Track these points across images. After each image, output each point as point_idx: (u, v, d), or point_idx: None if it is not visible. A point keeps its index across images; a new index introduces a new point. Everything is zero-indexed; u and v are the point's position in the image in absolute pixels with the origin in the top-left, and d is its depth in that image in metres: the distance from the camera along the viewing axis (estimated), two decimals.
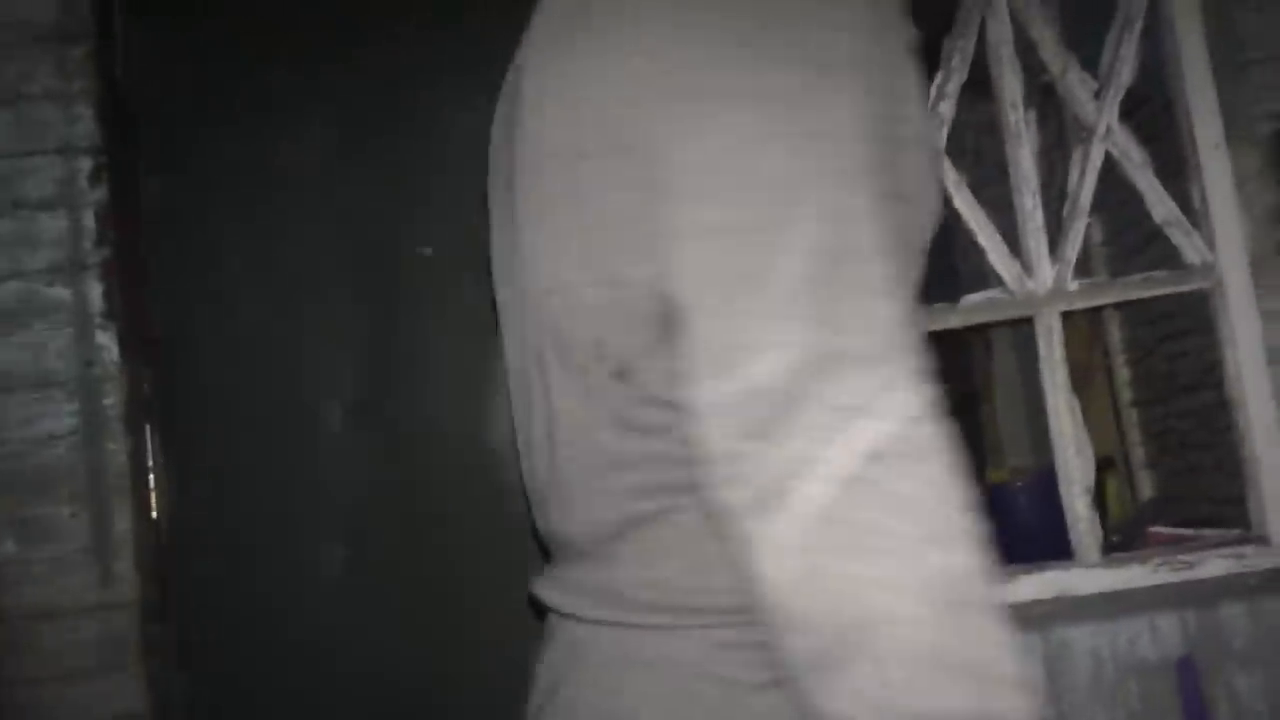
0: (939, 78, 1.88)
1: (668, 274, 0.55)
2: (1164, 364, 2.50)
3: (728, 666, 0.58)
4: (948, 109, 1.89)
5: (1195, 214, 1.87)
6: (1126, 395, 2.74)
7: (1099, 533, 1.82)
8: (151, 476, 1.69)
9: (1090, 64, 1.93)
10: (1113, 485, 2.53)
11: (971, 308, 1.89)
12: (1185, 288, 1.88)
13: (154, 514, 1.69)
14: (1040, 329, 1.85)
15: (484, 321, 1.01)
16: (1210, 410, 1.97)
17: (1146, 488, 2.68)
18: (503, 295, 0.75)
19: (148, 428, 1.70)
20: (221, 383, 1.72)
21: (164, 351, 1.73)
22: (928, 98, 1.88)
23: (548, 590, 0.70)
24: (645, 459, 0.61)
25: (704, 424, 0.53)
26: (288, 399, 1.73)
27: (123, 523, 1.61)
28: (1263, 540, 1.79)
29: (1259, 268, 1.82)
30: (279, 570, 1.65)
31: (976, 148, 2.69)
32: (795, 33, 0.56)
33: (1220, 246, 1.84)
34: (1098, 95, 1.89)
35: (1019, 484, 2.37)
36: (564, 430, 0.65)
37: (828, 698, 0.50)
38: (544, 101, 0.63)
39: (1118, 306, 2.56)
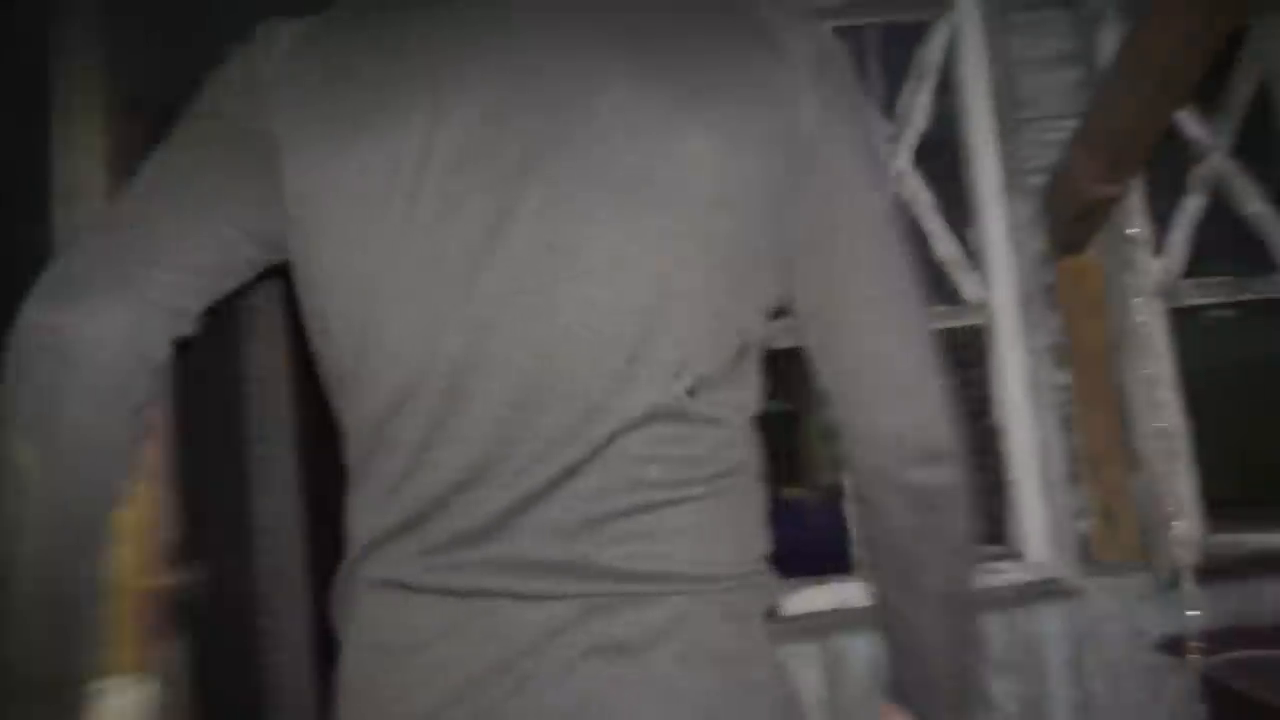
0: None
1: (879, 336, 0.80)
2: (955, 390, 2.69)
3: (719, 617, 0.72)
4: None
5: (976, 255, 2.03)
6: None
7: None
8: None
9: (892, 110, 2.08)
10: None
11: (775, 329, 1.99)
12: (964, 322, 2.03)
13: None
14: None
15: None
16: (989, 435, 2.13)
17: None
18: (468, 277, 0.71)
19: None
20: None
21: None
22: None
23: (473, 574, 0.70)
24: (675, 459, 0.72)
25: (947, 430, 0.81)
26: None
27: None
28: (1019, 556, 1.96)
29: (1027, 308, 1.99)
30: None
31: None
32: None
33: (995, 286, 2.01)
34: (894, 140, 2.03)
35: (811, 501, 2.50)
36: (619, 429, 0.70)
37: (967, 574, 0.85)
38: (665, 136, 0.70)
39: None
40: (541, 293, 0.69)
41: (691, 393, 0.72)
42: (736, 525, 0.75)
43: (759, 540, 0.78)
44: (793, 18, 0.78)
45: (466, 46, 0.72)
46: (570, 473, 0.70)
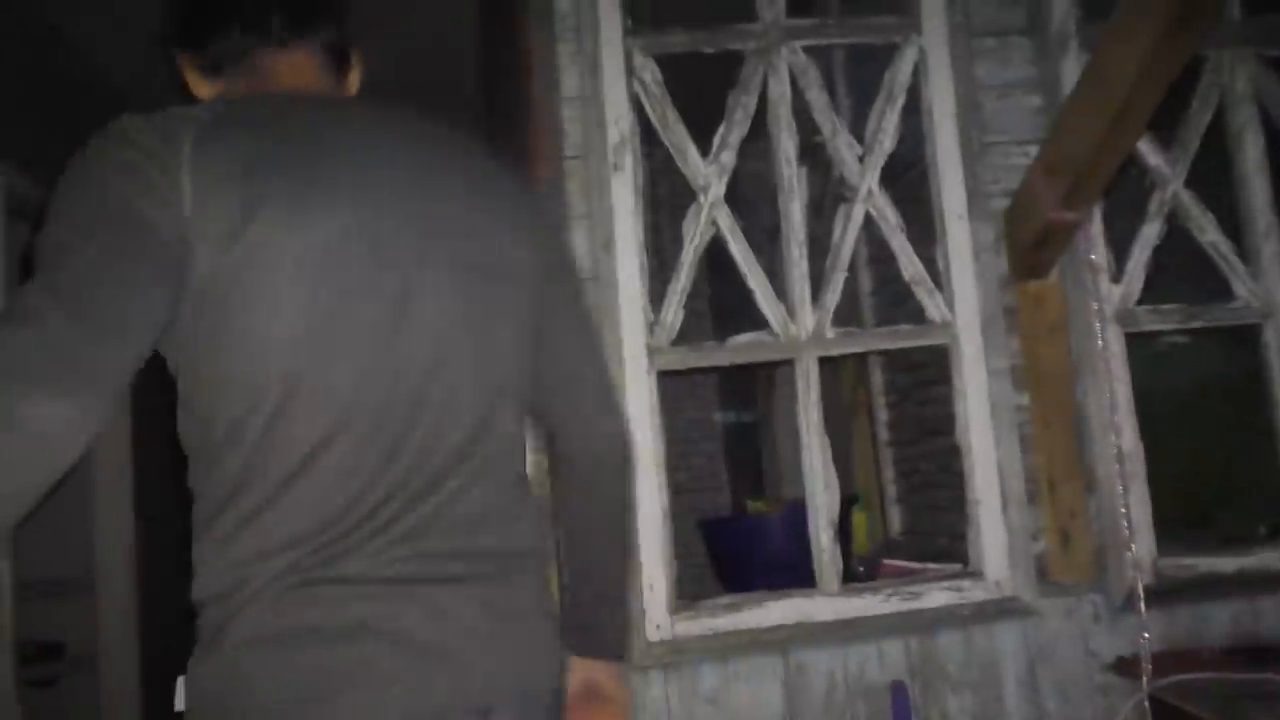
0: (722, 129, 2.00)
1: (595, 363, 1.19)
2: (916, 408, 2.71)
3: (542, 587, 1.05)
4: (729, 159, 2.01)
5: (940, 276, 2.06)
6: (884, 435, 2.95)
7: (839, 564, 1.95)
8: None
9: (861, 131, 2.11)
10: (861, 519, 2.72)
11: (739, 347, 2.01)
12: (927, 342, 2.06)
13: None
14: (799, 371, 1.98)
15: None
16: (950, 454, 2.15)
17: (897, 522, 2.89)
18: (384, 312, 0.93)
19: None
20: None
21: None
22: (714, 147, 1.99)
23: (404, 565, 0.91)
24: (514, 466, 1.02)
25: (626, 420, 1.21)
26: None
27: None
28: (978, 575, 1.98)
29: (988, 329, 2.02)
30: None
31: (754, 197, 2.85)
32: None
33: (958, 307, 2.03)
34: (862, 160, 2.06)
35: (775, 515, 2.52)
36: (495, 443, 0.99)
37: (635, 520, 1.36)
38: (497, 242, 1.01)
39: (879, 353, 2.76)
40: (447, 347, 0.95)
41: (522, 416, 1.05)
42: (534, 520, 1.05)
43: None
44: (520, 172, 1.20)
45: (354, 162, 0.94)
46: (469, 479, 0.95)
